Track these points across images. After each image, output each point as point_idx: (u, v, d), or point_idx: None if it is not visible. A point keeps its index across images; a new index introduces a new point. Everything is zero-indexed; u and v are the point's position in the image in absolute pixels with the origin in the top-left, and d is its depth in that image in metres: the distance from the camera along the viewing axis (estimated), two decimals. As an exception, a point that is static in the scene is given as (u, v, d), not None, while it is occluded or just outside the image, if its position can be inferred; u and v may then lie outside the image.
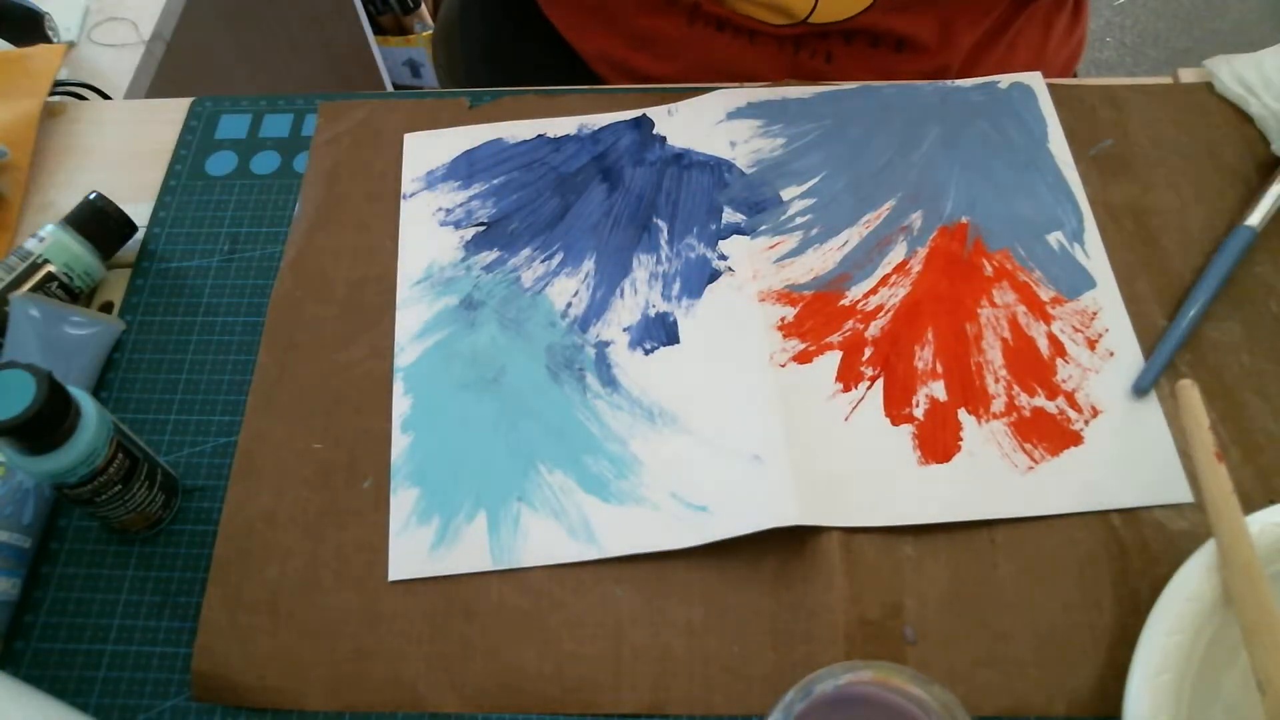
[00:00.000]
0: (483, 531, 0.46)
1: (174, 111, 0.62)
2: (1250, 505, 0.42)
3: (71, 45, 0.76)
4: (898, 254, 0.53)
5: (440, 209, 0.56)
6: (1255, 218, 0.52)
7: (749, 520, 0.45)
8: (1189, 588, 0.40)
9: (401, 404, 0.50)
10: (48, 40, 0.73)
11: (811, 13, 0.60)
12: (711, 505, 0.46)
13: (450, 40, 0.79)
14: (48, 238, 0.52)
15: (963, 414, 0.48)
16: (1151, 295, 0.52)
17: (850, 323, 0.51)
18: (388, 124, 0.60)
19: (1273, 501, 0.43)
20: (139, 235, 0.56)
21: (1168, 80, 0.60)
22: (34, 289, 0.51)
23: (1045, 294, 0.52)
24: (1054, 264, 0.53)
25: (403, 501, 0.47)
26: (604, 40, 0.67)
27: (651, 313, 0.52)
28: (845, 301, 0.52)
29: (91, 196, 0.54)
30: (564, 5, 0.67)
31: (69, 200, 0.55)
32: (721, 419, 0.48)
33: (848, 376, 0.49)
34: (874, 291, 0.52)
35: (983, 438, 0.47)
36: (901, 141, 0.57)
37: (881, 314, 0.51)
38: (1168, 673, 0.39)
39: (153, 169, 0.59)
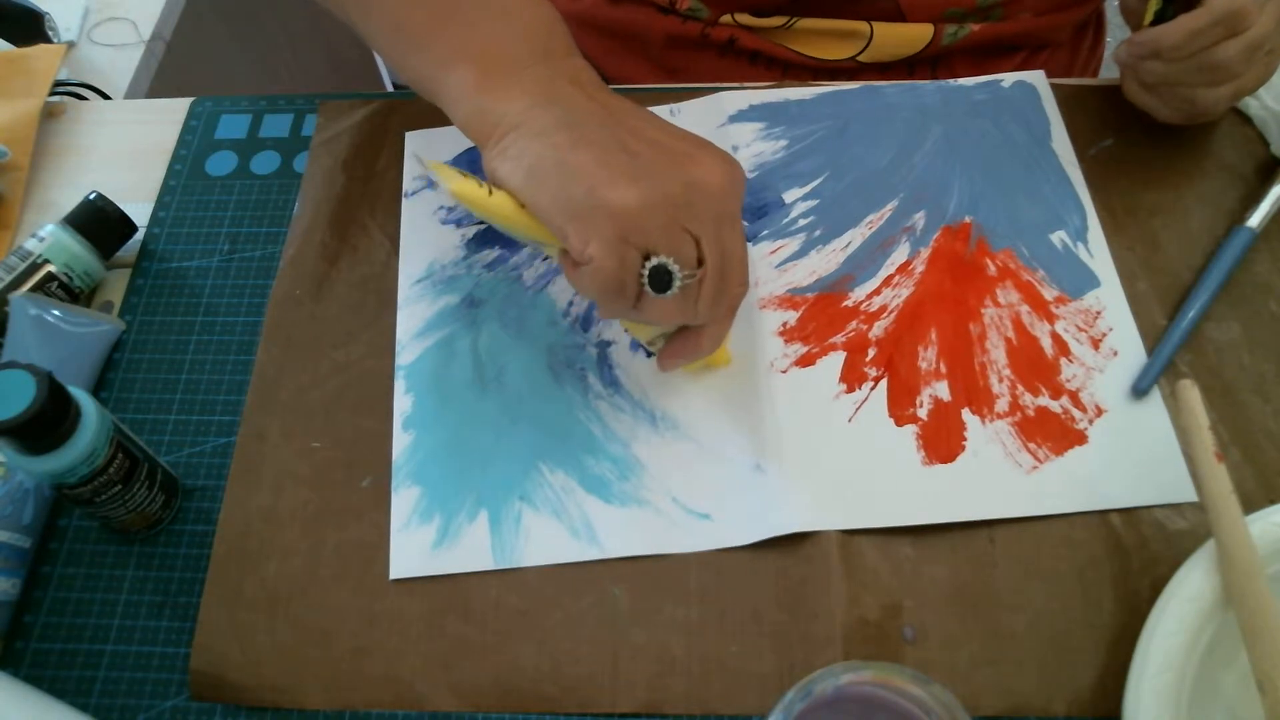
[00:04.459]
0: (484, 531, 0.46)
1: (174, 111, 0.62)
2: (1250, 505, 0.42)
3: (71, 45, 0.76)
4: (901, 254, 0.53)
5: (441, 207, 0.56)
6: (1255, 219, 0.52)
7: (752, 530, 0.45)
8: (1189, 588, 0.40)
9: (403, 403, 0.50)
10: (48, 40, 0.73)
11: (862, 52, 0.61)
12: (714, 514, 0.46)
13: None
14: (48, 238, 0.52)
15: (966, 414, 0.48)
16: (1152, 295, 0.52)
17: (854, 323, 0.51)
18: (388, 123, 0.60)
19: (1273, 501, 0.43)
20: (139, 235, 0.56)
21: (1169, 80, 0.60)
22: (34, 289, 0.51)
23: (1049, 293, 0.52)
24: (1057, 263, 0.53)
25: (404, 500, 0.47)
26: (632, 67, 0.68)
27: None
28: (849, 302, 0.52)
29: (91, 196, 0.54)
30: (593, 31, 0.68)
31: (69, 200, 0.55)
32: (723, 428, 0.48)
33: (851, 377, 0.49)
34: (877, 292, 0.52)
35: (986, 437, 0.47)
36: (904, 141, 0.57)
37: (885, 314, 0.51)
38: (1168, 673, 0.39)
39: (153, 169, 0.59)
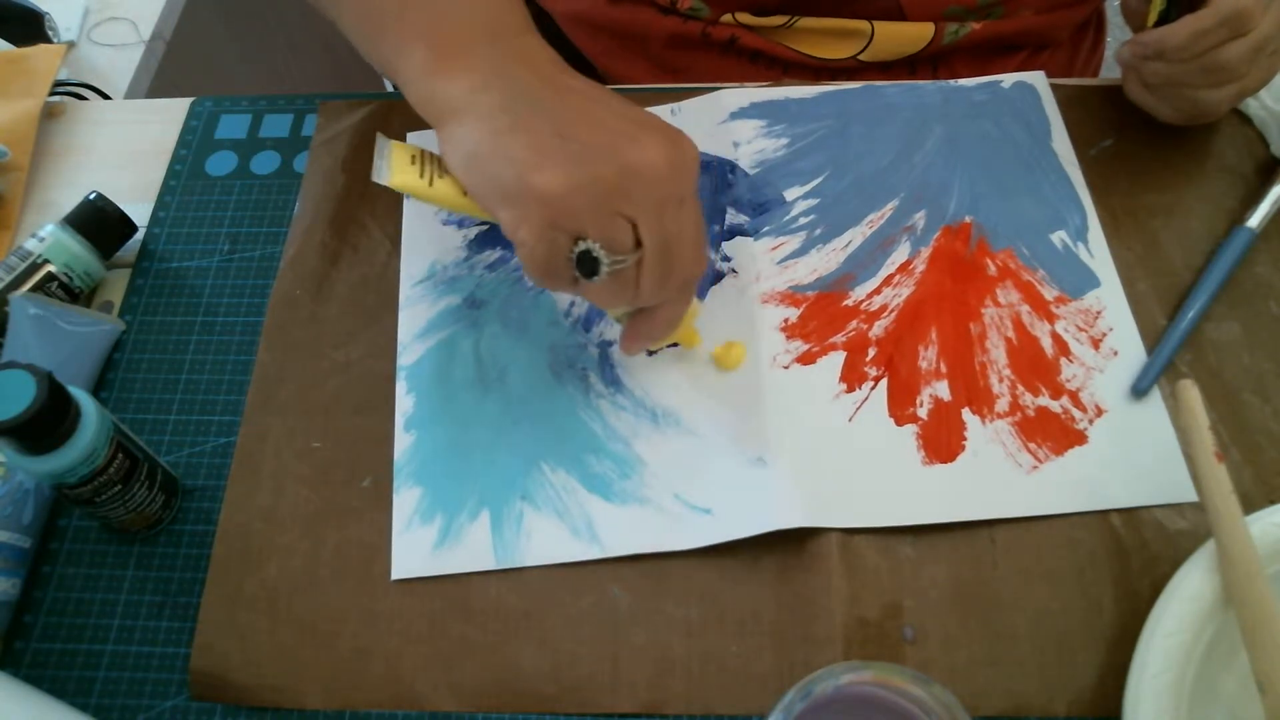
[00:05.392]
0: (486, 531, 0.46)
1: (174, 111, 0.62)
2: (1250, 505, 0.42)
3: (71, 45, 0.76)
4: (901, 254, 0.53)
5: (441, 208, 0.56)
6: (1255, 219, 0.52)
7: (753, 523, 0.45)
8: (1189, 588, 0.40)
9: (404, 403, 0.50)
10: (48, 40, 0.73)
11: (863, 51, 0.61)
12: (715, 508, 0.46)
13: None
14: (48, 238, 0.52)
15: (967, 414, 0.48)
16: (1152, 295, 0.52)
17: (854, 323, 0.51)
18: (388, 123, 0.60)
19: (1273, 501, 0.43)
20: (139, 235, 0.56)
21: (1169, 80, 0.60)
22: (34, 289, 0.51)
23: (1049, 293, 0.52)
24: (1058, 263, 0.53)
25: (406, 500, 0.47)
26: (632, 67, 0.68)
27: (652, 313, 0.52)
28: (849, 302, 0.52)
29: (91, 196, 0.54)
30: (593, 31, 0.68)
31: (69, 200, 0.55)
32: (724, 422, 0.48)
33: (852, 377, 0.49)
34: (878, 291, 0.52)
35: (987, 437, 0.47)
36: (904, 141, 0.57)
37: (885, 314, 0.51)
38: (1168, 673, 0.39)
39: (153, 169, 0.59)
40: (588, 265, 0.40)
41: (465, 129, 0.41)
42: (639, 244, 0.40)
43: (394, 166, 0.44)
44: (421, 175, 0.43)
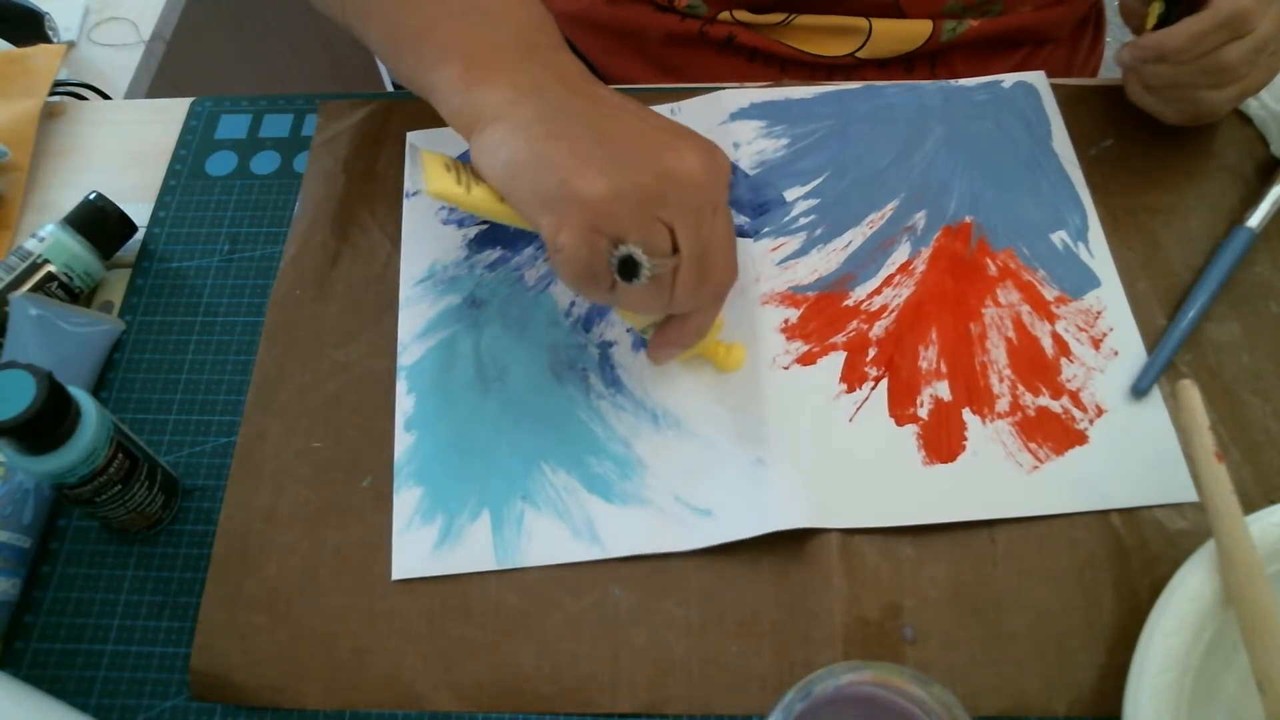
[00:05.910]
0: (486, 531, 0.46)
1: (174, 111, 0.62)
2: (1250, 505, 0.42)
3: (71, 45, 0.75)
4: (901, 254, 0.53)
5: (443, 207, 0.56)
6: (1255, 219, 0.52)
7: (753, 524, 0.45)
8: (1189, 588, 0.40)
9: (405, 403, 0.50)
10: (48, 40, 0.73)
11: (860, 48, 0.61)
12: (715, 509, 0.46)
13: None
14: (48, 238, 0.52)
15: (967, 414, 0.48)
16: (1152, 295, 0.52)
17: (854, 323, 0.51)
18: (388, 123, 0.60)
19: (1273, 501, 0.43)
20: (139, 235, 0.56)
21: (1169, 80, 0.60)
22: (34, 289, 0.51)
23: (1049, 293, 0.52)
24: (1058, 263, 0.53)
25: (406, 500, 0.47)
26: (631, 66, 0.68)
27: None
28: (849, 302, 0.52)
29: (91, 196, 0.54)
30: (592, 30, 0.68)
31: (69, 200, 0.55)
32: (724, 423, 0.48)
33: (852, 377, 0.49)
34: (878, 292, 0.52)
35: (987, 437, 0.47)
36: (905, 141, 0.57)
37: (885, 314, 0.51)
38: (1168, 673, 0.39)
39: (153, 169, 0.59)
40: (629, 269, 0.41)
41: (500, 137, 0.41)
42: (675, 250, 0.41)
43: (429, 175, 0.43)
44: (459, 183, 0.43)
